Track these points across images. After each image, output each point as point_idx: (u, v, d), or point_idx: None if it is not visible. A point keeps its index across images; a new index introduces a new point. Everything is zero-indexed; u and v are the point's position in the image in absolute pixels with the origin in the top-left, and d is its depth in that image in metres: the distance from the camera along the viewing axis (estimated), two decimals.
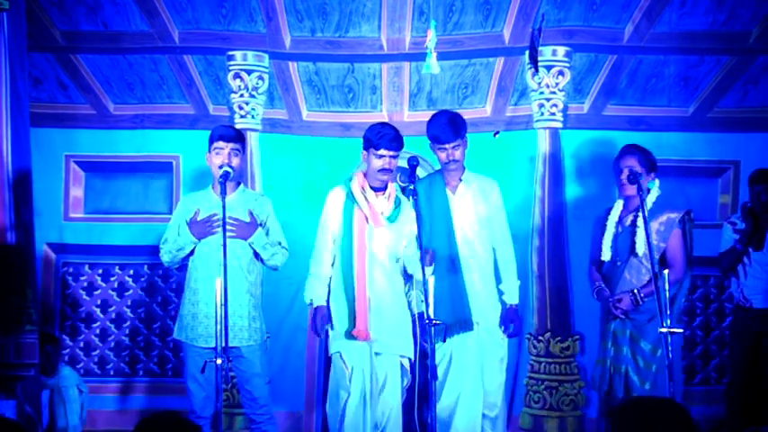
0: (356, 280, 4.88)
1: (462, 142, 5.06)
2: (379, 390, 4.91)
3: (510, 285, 5.18)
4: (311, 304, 5.06)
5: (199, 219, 4.89)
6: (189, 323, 4.95)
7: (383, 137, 4.89)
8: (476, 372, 5.07)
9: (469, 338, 5.09)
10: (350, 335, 4.88)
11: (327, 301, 5.00)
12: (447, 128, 5.02)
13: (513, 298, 5.17)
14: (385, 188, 4.99)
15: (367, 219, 4.94)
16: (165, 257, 5.03)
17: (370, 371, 4.88)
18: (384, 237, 4.93)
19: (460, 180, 5.16)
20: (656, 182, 5.18)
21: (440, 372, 4.96)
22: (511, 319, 5.17)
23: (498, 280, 5.20)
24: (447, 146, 5.02)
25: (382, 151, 4.89)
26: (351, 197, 4.98)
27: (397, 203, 4.98)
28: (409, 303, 5.14)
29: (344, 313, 4.92)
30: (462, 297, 5.06)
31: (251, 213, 4.94)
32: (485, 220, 5.17)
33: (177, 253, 4.97)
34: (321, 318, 4.98)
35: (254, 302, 5.00)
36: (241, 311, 4.92)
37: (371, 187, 4.97)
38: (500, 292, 5.19)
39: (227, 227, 4.66)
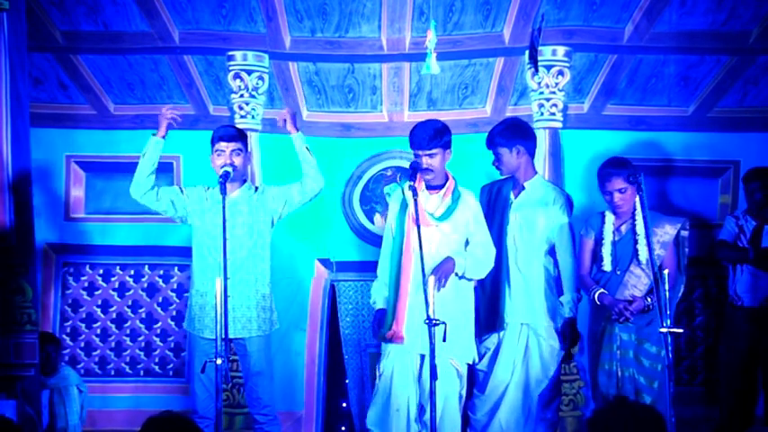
0: (401, 282, 4.86)
1: (498, 155, 5.16)
2: (429, 393, 4.86)
3: (564, 298, 5.26)
4: (374, 306, 5.07)
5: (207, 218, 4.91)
6: (197, 314, 4.99)
7: (415, 135, 4.89)
8: (525, 369, 5.16)
9: (517, 337, 5.17)
10: (385, 338, 4.88)
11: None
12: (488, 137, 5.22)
13: (564, 311, 5.25)
14: (441, 186, 4.94)
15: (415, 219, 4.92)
16: (134, 181, 5.08)
17: (407, 375, 4.85)
18: (433, 236, 4.84)
19: (523, 187, 5.27)
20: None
21: (485, 363, 5.16)
22: (563, 331, 5.24)
23: (561, 292, 5.29)
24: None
25: (416, 152, 4.90)
26: (404, 198, 4.97)
27: (455, 200, 4.92)
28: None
29: (389, 315, 4.91)
30: (498, 298, 5.14)
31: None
32: (542, 228, 5.25)
33: (141, 164, 5.06)
34: (378, 321, 4.98)
35: (265, 293, 5.02)
36: (249, 303, 4.95)
37: (427, 186, 4.91)
38: (560, 304, 5.27)
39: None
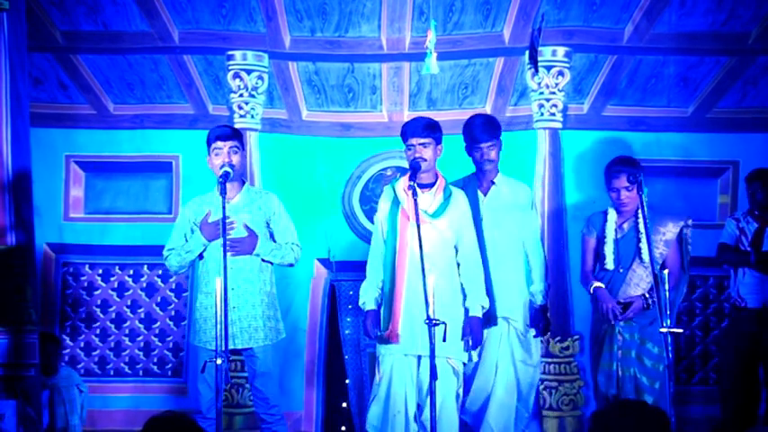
0: (396, 281, 4.85)
1: (497, 143, 5.12)
2: (426, 393, 4.79)
3: (535, 288, 5.24)
4: (364, 307, 5.04)
5: (210, 220, 4.87)
6: (202, 326, 4.94)
7: (408, 125, 4.92)
8: (509, 367, 5.13)
9: (499, 334, 5.14)
10: (382, 339, 4.86)
11: (380, 305, 4.97)
12: (482, 128, 5.12)
13: (537, 299, 5.24)
14: (432, 184, 4.93)
15: (409, 217, 4.87)
16: (173, 262, 4.99)
17: (404, 376, 4.83)
18: (428, 234, 4.79)
19: (492, 183, 5.22)
20: (645, 188, 5.20)
21: (468, 367, 5.08)
22: (538, 320, 5.23)
23: (530, 282, 5.26)
24: (483, 145, 5.06)
25: (410, 141, 4.88)
26: (396, 197, 4.97)
27: (446, 198, 4.92)
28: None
29: (384, 316, 4.89)
30: (488, 294, 5.09)
31: (246, 227, 4.91)
32: (514, 222, 5.22)
33: (186, 255, 4.95)
34: (370, 322, 4.96)
35: (269, 302, 5.00)
36: (255, 312, 4.92)
37: (418, 184, 4.85)
38: (531, 294, 5.25)
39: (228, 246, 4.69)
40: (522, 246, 5.24)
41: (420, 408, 4.84)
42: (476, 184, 5.20)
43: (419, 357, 4.82)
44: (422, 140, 4.86)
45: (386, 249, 4.93)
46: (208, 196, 5.05)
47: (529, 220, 5.27)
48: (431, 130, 4.88)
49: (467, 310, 4.87)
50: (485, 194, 5.21)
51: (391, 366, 4.86)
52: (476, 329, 4.84)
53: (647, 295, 5.16)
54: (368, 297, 5.00)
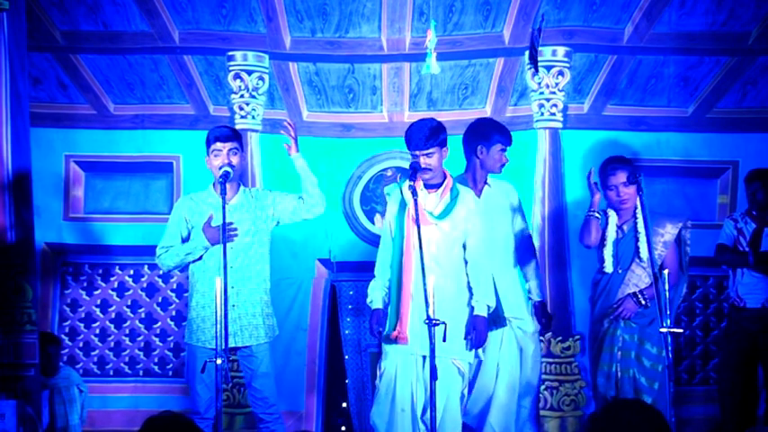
0: (403, 282, 4.83)
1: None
2: (429, 392, 4.81)
3: (530, 284, 5.28)
4: (371, 306, 5.02)
5: (213, 224, 4.86)
6: (199, 326, 4.93)
7: (411, 136, 4.83)
8: (510, 368, 5.13)
9: (501, 334, 5.14)
10: (389, 338, 4.84)
11: (386, 304, 4.95)
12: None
13: (534, 295, 5.25)
14: (439, 185, 4.89)
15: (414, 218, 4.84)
16: (169, 261, 4.98)
17: (410, 375, 4.80)
18: (433, 235, 4.80)
19: (486, 183, 5.21)
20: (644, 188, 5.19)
21: (471, 368, 5.03)
22: (539, 316, 5.25)
23: (525, 279, 5.28)
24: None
25: (413, 152, 4.83)
26: (403, 198, 4.93)
27: (453, 198, 4.88)
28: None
29: (391, 316, 4.88)
30: (495, 294, 5.08)
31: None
32: (508, 221, 5.24)
33: (185, 257, 4.94)
34: (376, 321, 4.93)
35: (267, 300, 5.01)
36: (254, 310, 4.93)
37: (425, 185, 4.85)
38: (528, 291, 5.26)
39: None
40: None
41: (414, 412, 4.84)
42: (467, 185, 5.14)
43: (425, 357, 4.82)
44: (425, 152, 4.82)
45: (393, 250, 4.92)
46: (202, 195, 5.04)
47: (517, 218, 5.29)
48: (434, 138, 4.79)
49: (471, 309, 4.87)
50: (479, 196, 5.19)
51: (396, 365, 4.85)
52: (479, 328, 4.82)
53: (639, 294, 5.17)
54: (375, 296, 4.97)
